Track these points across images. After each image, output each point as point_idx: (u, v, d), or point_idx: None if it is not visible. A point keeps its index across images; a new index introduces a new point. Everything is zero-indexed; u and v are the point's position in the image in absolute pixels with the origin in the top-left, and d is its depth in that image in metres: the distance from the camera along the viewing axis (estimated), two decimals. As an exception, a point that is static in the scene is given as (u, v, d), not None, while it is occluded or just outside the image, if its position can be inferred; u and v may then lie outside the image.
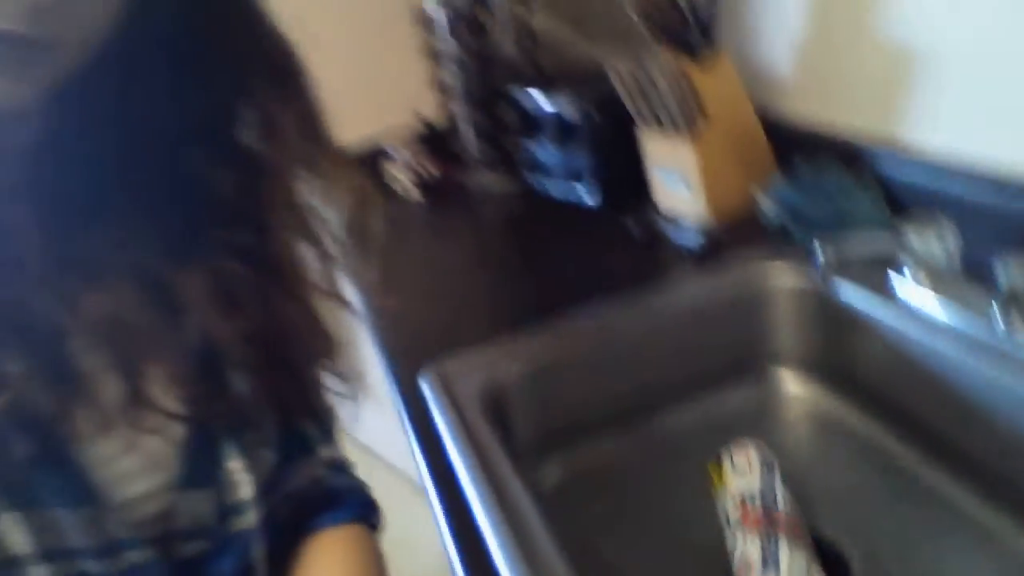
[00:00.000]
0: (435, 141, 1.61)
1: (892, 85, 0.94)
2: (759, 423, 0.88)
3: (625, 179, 1.19)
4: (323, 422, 0.64)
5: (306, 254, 0.55)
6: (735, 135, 1.08)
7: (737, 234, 1.03)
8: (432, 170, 1.56)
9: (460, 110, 1.51)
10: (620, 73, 1.08)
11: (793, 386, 0.93)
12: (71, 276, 0.44)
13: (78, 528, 0.45)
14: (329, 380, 0.59)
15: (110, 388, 0.46)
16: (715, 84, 1.06)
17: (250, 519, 0.54)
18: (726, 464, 0.72)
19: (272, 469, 0.57)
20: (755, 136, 1.11)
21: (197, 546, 0.52)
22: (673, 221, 1.10)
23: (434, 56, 1.53)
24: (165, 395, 0.48)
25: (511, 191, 1.44)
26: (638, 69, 1.06)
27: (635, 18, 1.06)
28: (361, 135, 1.64)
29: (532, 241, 1.24)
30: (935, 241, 0.78)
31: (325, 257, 0.56)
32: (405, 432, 0.78)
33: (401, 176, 1.57)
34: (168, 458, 0.51)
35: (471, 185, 1.53)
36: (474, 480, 0.65)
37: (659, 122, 1.09)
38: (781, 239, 0.97)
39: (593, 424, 0.88)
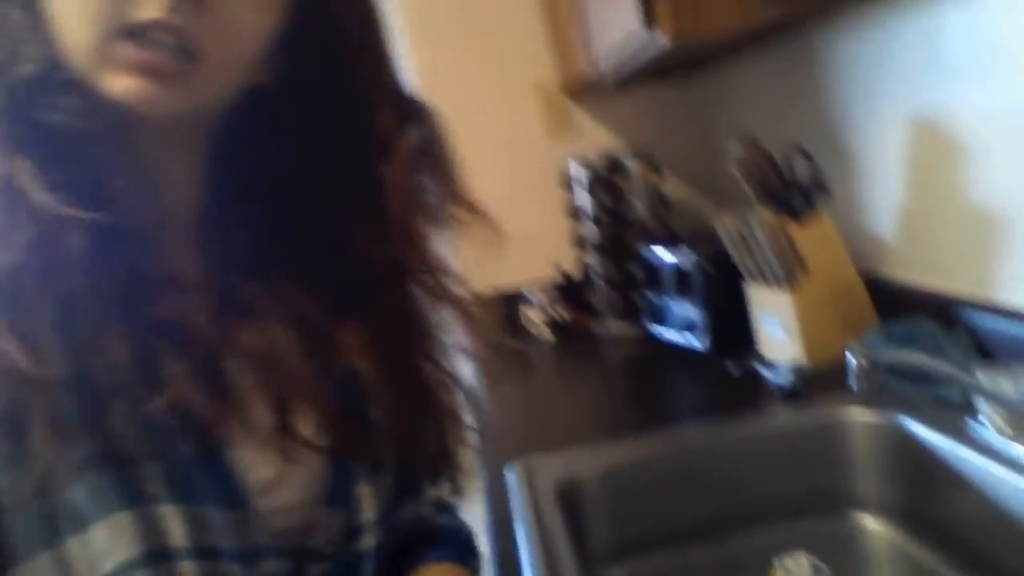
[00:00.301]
0: (569, 290, 1.78)
1: (982, 248, 1.00)
2: (831, 556, 0.89)
3: (732, 326, 1.28)
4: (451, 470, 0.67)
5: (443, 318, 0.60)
6: (834, 288, 1.15)
7: (829, 379, 1.07)
8: (564, 315, 1.72)
9: (594, 263, 1.68)
10: (727, 229, 1.21)
11: (870, 524, 0.93)
12: (230, 313, 0.51)
13: (227, 529, 0.48)
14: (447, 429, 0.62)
15: (261, 410, 0.51)
16: (815, 241, 1.16)
17: (370, 542, 0.57)
18: (779, 570, 0.75)
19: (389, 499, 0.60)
20: (854, 291, 1.17)
21: (323, 566, 0.54)
22: (771, 364, 1.16)
23: (575, 214, 1.74)
24: (308, 429, 0.53)
25: (632, 336, 1.56)
26: (743, 226, 1.18)
27: (740, 180, 1.20)
28: (507, 281, 1.84)
29: (640, 376, 1.34)
30: (1016, 387, 0.81)
31: (465, 319, 0.60)
32: (484, 515, 0.88)
33: (536, 318, 1.74)
34: (312, 476, 0.54)
35: (597, 330, 1.67)
36: (534, 568, 0.72)
37: (762, 275, 1.19)
38: (869, 385, 1.01)
39: (666, 536, 0.93)
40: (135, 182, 0.50)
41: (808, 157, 1.19)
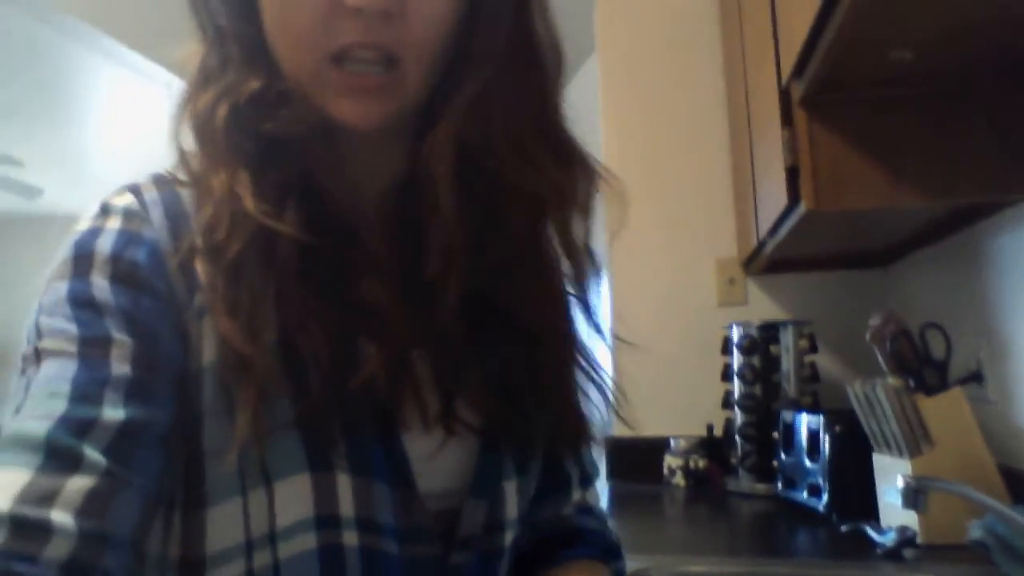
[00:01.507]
0: (711, 445, 1.83)
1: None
2: None
3: (856, 491, 1.30)
4: (585, 469, 0.72)
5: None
6: (962, 466, 1.15)
7: (944, 553, 1.07)
8: (701, 465, 1.77)
9: (737, 421, 1.74)
10: (856, 394, 1.27)
11: None
12: (415, 303, 0.55)
13: (391, 506, 0.51)
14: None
15: (433, 397, 0.55)
16: (944, 416, 1.18)
17: (508, 537, 0.59)
18: None
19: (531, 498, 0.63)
20: (986, 472, 1.16)
21: (466, 555, 0.56)
22: (887, 531, 1.16)
23: (727, 377, 1.83)
24: (469, 411, 0.57)
25: (761, 493, 1.59)
26: (870, 391, 1.23)
27: (874, 349, 1.26)
28: (658, 430, 1.93)
29: (756, 526, 1.37)
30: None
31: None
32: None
33: (675, 464, 1.81)
34: (465, 466, 0.57)
35: (730, 485, 1.71)
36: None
37: (886, 442, 1.22)
38: (983, 563, 1.00)
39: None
40: (338, 180, 0.56)
41: (945, 336, 1.24)
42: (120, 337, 0.48)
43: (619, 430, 2.00)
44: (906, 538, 1.07)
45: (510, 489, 0.59)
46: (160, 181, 0.56)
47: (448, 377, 0.56)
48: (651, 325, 2.06)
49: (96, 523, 0.42)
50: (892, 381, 1.21)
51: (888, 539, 1.08)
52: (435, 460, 0.55)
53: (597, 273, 0.64)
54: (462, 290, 0.55)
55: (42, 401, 0.45)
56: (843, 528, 1.19)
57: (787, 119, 1.20)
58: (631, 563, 0.95)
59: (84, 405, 0.45)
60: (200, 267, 0.51)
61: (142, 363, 0.48)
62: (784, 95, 1.21)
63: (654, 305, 2.06)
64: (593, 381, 0.65)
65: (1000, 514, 0.80)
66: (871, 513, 1.25)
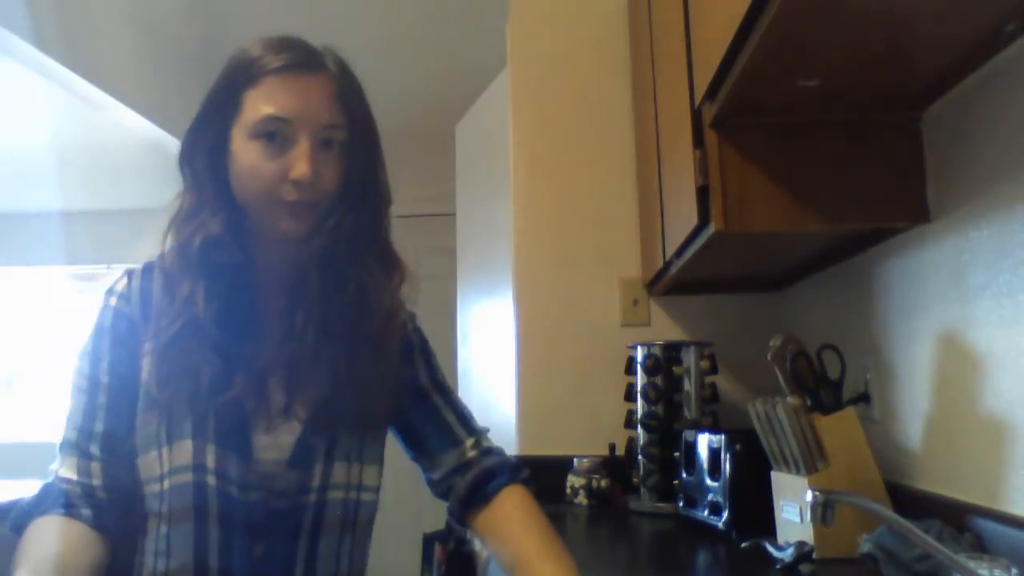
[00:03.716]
0: (614, 464, 1.84)
1: (996, 463, 1.04)
2: None
3: (755, 508, 1.32)
4: (466, 421, 1.10)
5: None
6: (853, 482, 1.19)
7: (838, 566, 1.10)
8: (604, 485, 1.77)
9: (640, 440, 1.75)
10: (756, 411, 1.29)
11: None
12: (284, 354, 0.98)
13: (236, 466, 0.92)
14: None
15: (278, 405, 0.97)
16: (838, 435, 1.22)
17: (316, 495, 0.96)
18: None
19: (432, 457, 1.07)
20: (874, 488, 1.20)
21: (281, 502, 0.94)
22: (786, 547, 1.18)
23: (630, 397, 1.84)
24: (298, 414, 0.97)
25: (663, 512, 1.60)
26: (770, 409, 1.26)
27: (774, 369, 1.30)
28: (561, 450, 1.92)
29: (657, 545, 1.37)
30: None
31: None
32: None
33: (577, 484, 1.80)
34: (287, 448, 0.96)
35: (632, 504, 1.71)
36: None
37: (784, 459, 1.25)
38: (874, 575, 1.03)
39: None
40: (252, 287, 0.98)
41: (840, 357, 1.29)
42: (105, 379, 0.96)
43: (523, 449, 1.98)
44: (804, 553, 1.09)
45: (318, 464, 0.96)
46: (147, 269, 1.01)
47: (290, 394, 0.98)
48: (555, 344, 2.06)
49: (108, 480, 0.94)
50: (791, 400, 1.24)
51: (787, 554, 1.10)
52: (270, 443, 0.95)
53: (395, 325, 1.04)
54: (315, 331, 0.97)
55: (73, 419, 0.96)
56: (743, 544, 1.21)
57: (699, 140, 1.22)
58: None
59: (89, 422, 0.95)
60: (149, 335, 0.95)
61: (120, 393, 0.95)
62: (696, 116, 1.23)
63: (558, 324, 2.06)
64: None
65: (899, 526, 0.83)
66: (769, 530, 1.27)
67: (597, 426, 1.95)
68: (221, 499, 0.91)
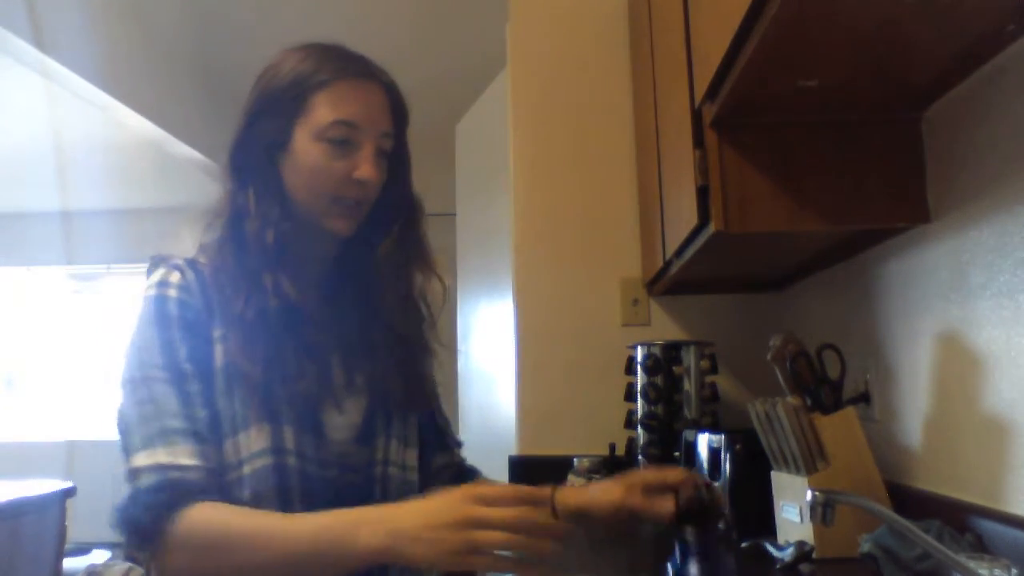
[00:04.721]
0: (614, 464, 1.84)
1: (996, 463, 1.04)
2: None
3: (755, 508, 1.32)
4: (454, 438, 1.17)
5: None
6: (853, 482, 1.19)
7: (838, 566, 1.10)
8: (603, 484, 1.77)
9: (640, 440, 1.75)
10: (756, 411, 1.29)
11: None
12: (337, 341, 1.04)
13: (312, 445, 0.94)
14: None
15: (342, 387, 1.01)
16: (839, 434, 1.22)
17: (381, 469, 1.00)
18: None
19: (423, 450, 1.09)
20: (874, 488, 1.20)
21: (353, 477, 0.98)
22: (786, 547, 1.18)
23: (630, 396, 1.84)
24: (360, 390, 1.03)
25: (662, 512, 1.60)
26: (770, 409, 1.26)
27: (775, 369, 1.30)
28: (561, 450, 1.92)
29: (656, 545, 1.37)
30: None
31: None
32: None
33: (577, 484, 1.79)
34: (355, 425, 1.00)
35: (632, 504, 1.71)
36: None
37: (784, 459, 1.25)
38: (873, 574, 1.03)
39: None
40: (302, 272, 1.01)
41: (840, 357, 1.29)
42: (188, 367, 0.92)
43: (523, 449, 1.98)
44: (804, 553, 1.09)
45: (381, 440, 1.02)
46: (191, 264, 0.98)
47: (348, 374, 1.03)
48: (555, 344, 2.06)
49: (219, 467, 0.90)
50: (791, 400, 1.24)
51: (786, 554, 1.10)
52: (342, 422, 0.99)
53: (427, 323, 1.12)
54: (358, 318, 1.05)
55: (168, 409, 0.89)
56: (743, 544, 1.21)
57: (699, 140, 1.22)
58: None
59: (191, 409, 0.90)
60: (220, 321, 0.95)
61: (203, 380, 0.92)
62: (696, 116, 1.23)
63: (558, 324, 2.06)
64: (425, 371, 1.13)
65: (899, 526, 0.83)
66: (770, 529, 1.27)
67: (597, 426, 1.96)
68: (303, 478, 0.92)
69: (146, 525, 0.83)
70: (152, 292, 0.95)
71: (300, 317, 0.97)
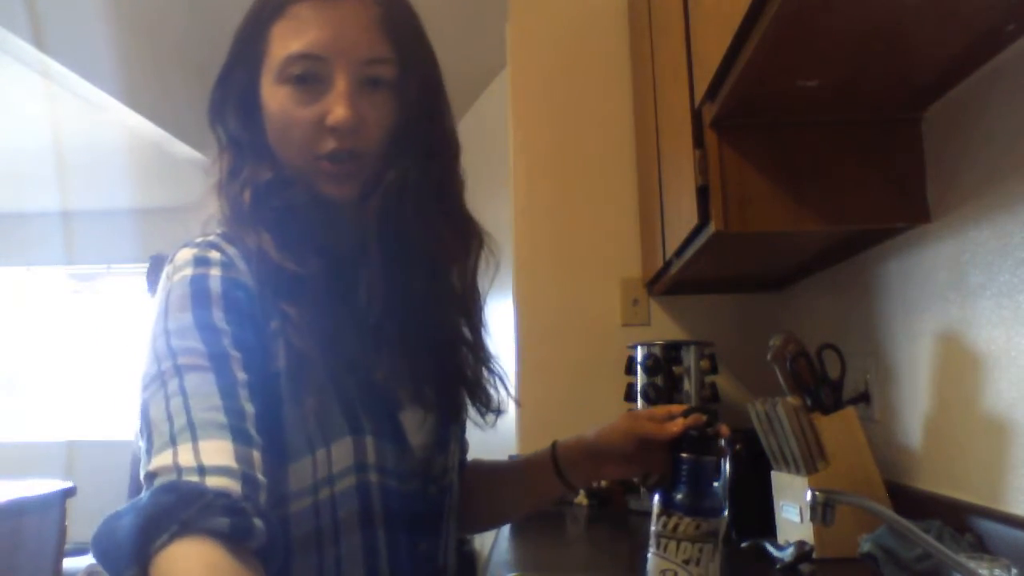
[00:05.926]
0: (614, 463, 1.84)
1: (996, 463, 1.04)
2: None
3: (755, 508, 1.32)
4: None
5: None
6: (853, 482, 1.19)
7: (838, 566, 1.10)
8: (603, 484, 1.77)
9: (640, 440, 1.75)
10: (756, 411, 1.29)
11: None
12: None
13: (393, 457, 0.78)
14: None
15: (416, 390, 0.83)
16: (838, 434, 1.22)
17: (454, 475, 0.88)
18: None
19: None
20: (874, 488, 1.20)
21: (435, 487, 0.83)
22: (786, 547, 1.18)
23: (630, 396, 1.84)
24: (431, 398, 0.84)
25: (662, 512, 1.60)
26: (770, 409, 1.26)
27: (775, 369, 1.30)
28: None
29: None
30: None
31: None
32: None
33: (577, 484, 1.80)
34: (432, 431, 0.84)
35: (632, 503, 1.71)
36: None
37: (784, 459, 1.25)
38: (873, 575, 1.03)
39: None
40: (333, 236, 0.80)
41: (840, 357, 1.29)
42: (235, 353, 0.70)
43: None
44: (804, 553, 1.09)
45: (453, 445, 0.88)
46: (224, 240, 0.77)
47: (421, 375, 0.84)
48: (555, 344, 2.06)
49: (267, 480, 0.65)
50: (791, 400, 1.24)
51: (786, 554, 1.10)
52: (419, 428, 0.83)
53: (481, 302, 0.94)
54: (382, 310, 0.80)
55: (202, 400, 0.66)
56: (743, 544, 1.21)
57: (699, 140, 1.22)
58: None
59: (233, 401, 0.67)
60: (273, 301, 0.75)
61: (251, 369, 0.70)
62: (696, 116, 1.23)
63: (558, 324, 2.06)
64: (494, 371, 0.94)
65: (899, 526, 0.83)
66: (770, 529, 1.27)
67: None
68: (384, 497, 0.76)
69: (119, 550, 0.57)
70: (188, 272, 0.72)
71: (354, 294, 0.79)
